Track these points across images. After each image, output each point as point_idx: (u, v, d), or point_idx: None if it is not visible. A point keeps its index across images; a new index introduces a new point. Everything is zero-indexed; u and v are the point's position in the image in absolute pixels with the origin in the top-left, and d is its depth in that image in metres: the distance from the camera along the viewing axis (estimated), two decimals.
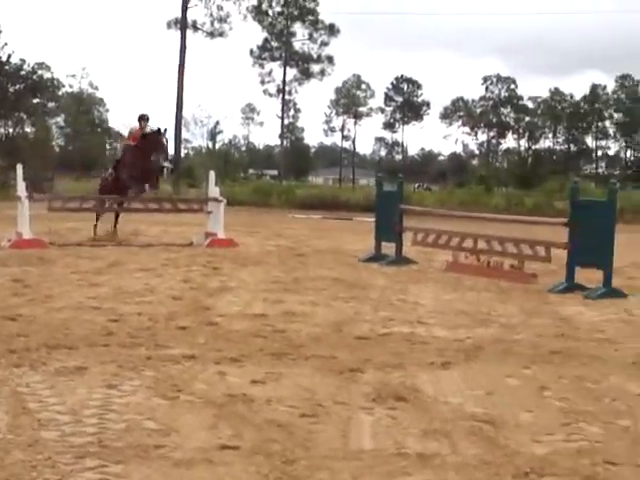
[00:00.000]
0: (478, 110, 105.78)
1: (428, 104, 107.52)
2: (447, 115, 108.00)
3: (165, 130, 17.76)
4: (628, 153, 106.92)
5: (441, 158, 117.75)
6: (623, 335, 8.61)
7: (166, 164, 17.59)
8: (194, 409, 5.26)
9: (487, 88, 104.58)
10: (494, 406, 5.59)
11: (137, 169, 16.98)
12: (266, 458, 4.38)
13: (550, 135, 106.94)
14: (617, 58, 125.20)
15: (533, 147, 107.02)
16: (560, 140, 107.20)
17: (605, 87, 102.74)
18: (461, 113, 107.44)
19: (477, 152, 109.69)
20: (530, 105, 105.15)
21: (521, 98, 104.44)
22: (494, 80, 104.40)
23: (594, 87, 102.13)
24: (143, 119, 17.93)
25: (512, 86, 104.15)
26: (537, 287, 12.23)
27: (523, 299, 11.09)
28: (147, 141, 17.04)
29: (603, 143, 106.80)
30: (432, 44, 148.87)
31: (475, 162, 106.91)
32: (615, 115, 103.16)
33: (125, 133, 22.04)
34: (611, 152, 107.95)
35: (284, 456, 4.41)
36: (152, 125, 18.02)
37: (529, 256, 13.08)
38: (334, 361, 6.75)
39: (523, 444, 4.80)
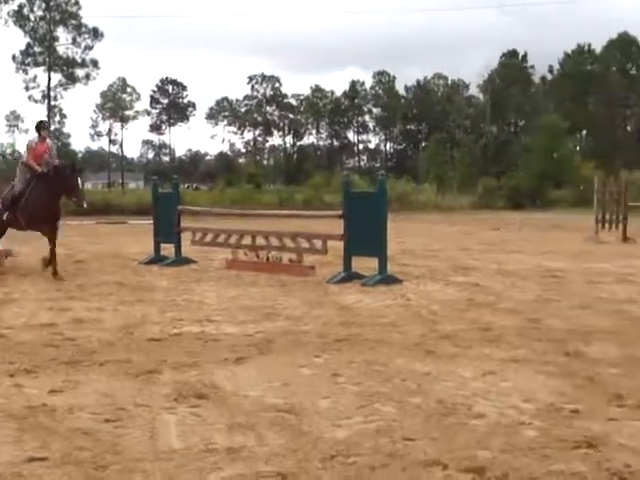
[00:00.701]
0: (243, 109, 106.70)
1: (194, 105, 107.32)
2: (213, 115, 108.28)
3: (80, 169, 14.05)
4: (387, 146, 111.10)
5: (208, 158, 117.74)
6: (403, 319, 9.04)
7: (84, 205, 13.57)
8: None
9: (253, 87, 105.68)
10: (292, 395, 5.73)
11: (42, 212, 13.18)
12: (77, 466, 4.31)
13: (314, 131, 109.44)
14: (374, 55, 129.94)
15: (298, 143, 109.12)
16: (323, 136, 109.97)
17: (363, 83, 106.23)
18: (226, 113, 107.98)
19: (244, 151, 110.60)
20: (294, 102, 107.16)
21: (286, 96, 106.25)
22: (259, 79, 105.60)
23: (353, 83, 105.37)
24: (43, 127, 14.25)
25: (277, 85, 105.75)
26: (316, 279, 12.57)
27: (304, 291, 11.38)
28: (58, 179, 13.07)
29: (364, 137, 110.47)
30: (194, 45, 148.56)
31: (242, 160, 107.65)
32: (374, 110, 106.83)
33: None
34: (372, 145, 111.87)
35: (94, 463, 4.36)
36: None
37: (307, 249, 13.43)
38: (129, 364, 6.69)
39: (325, 429, 4.96)
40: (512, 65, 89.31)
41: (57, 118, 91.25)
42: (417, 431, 4.91)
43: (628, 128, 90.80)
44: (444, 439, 4.75)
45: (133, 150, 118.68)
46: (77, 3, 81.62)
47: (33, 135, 14.51)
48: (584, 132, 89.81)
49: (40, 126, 14.16)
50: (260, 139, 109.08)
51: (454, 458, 4.40)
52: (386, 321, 8.88)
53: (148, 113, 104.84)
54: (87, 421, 5.13)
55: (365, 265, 12.49)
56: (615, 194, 22.60)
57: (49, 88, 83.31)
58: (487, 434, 4.84)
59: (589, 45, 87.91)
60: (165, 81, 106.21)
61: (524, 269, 14.02)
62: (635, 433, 4.84)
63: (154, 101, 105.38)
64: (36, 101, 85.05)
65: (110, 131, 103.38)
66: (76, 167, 13.50)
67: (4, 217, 13.60)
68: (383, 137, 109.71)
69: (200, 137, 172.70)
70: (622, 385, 5.95)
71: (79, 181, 13.28)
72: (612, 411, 5.32)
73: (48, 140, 14.13)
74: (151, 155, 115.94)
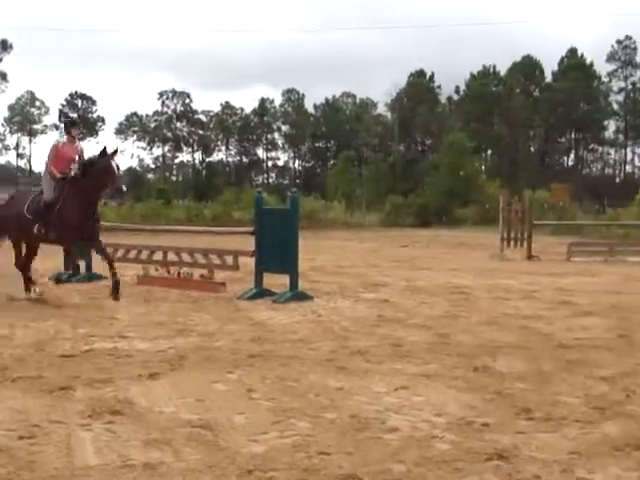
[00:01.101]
0: (153, 125, 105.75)
1: (103, 120, 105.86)
2: (122, 130, 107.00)
3: (116, 151, 11.84)
4: (296, 163, 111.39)
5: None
6: (314, 335, 9.12)
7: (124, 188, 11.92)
8: None
9: (163, 103, 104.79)
10: (207, 411, 5.75)
11: (75, 227, 11.45)
12: None
13: (223, 148, 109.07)
14: (283, 73, 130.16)
15: (207, 160, 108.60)
16: (233, 152, 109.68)
17: (273, 101, 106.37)
18: (136, 128, 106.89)
19: (153, 166, 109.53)
20: (204, 119, 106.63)
21: (196, 112, 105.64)
22: (170, 95, 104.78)
23: (263, 101, 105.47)
24: (73, 126, 12.40)
25: (187, 101, 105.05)
26: (228, 295, 12.58)
27: (216, 307, 11.38)
28: (92, 175, 11.33)
29: (273, 154, 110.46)
30: (104, 60, 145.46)
31: (151, 176, 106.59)
32: (283, 127, 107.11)
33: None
34: (280, 162, 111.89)
35: None
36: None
37: (218, 265, 13.43)
38: (42, 381, 6.62)
39: (242, 445, 4.99)
40: (419, 85, 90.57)
41: None
42: (332, 446, 4.97)
43: (531, 149, 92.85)
44: (359, 453, 4.83)
45: (41, 165, 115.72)
46: None
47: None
48: (489, 152, 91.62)
49: (70, 124, 12.42)
50: (169, 155, 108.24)
51: (369, 472, 4.48)
52: (298, 337, 8.95)
53: (57, 127, 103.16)
54: (1, 438, 5.05)
55: (276, 282, 12.54)
56: (520, 213, 23.15)
57: None
58: (401, 448, 4.94)
59: (494, 67, 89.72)
60: (74, 95, 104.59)
61: (433, 285, 14.27)
62: (543, 445, 5.00)
63: (63, 115, 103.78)
64: None
65: (18, 145, 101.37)
66: (107, 151, 11.54)
67: (35, 229, 11.63)
68: (292, 154, 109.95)
69: None
70: (530, 399, 6.14)
71: (114, 165, 11.43)
72: (521, 424, 5.48)
73: (78, 142, 12.20)
74: None
